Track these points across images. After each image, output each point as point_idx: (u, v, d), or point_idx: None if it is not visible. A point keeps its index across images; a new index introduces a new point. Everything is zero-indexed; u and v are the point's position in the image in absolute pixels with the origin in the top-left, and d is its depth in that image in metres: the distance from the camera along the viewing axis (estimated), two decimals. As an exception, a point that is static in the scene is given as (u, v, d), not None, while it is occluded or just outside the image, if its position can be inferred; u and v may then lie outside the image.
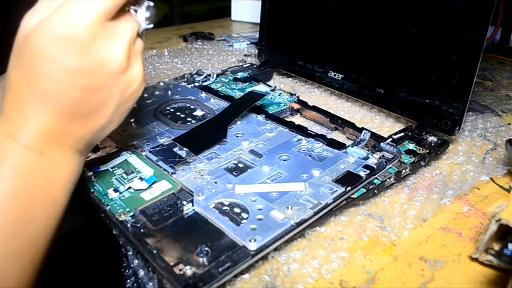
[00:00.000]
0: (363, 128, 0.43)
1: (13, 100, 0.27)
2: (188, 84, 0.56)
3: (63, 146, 0.28)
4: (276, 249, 0.31)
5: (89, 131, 0.29)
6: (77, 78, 0.26)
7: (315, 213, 0.31)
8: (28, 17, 0.27)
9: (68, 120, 0.28)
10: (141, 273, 0.31)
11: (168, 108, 0.49)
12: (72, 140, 0.29)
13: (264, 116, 0.47)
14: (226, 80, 0.59)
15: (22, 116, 0.27)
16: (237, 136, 0.43)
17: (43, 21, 0.26)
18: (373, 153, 0.39)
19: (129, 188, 0.35)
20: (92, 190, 0.35)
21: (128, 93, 0.30)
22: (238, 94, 0.54)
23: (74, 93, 0.27)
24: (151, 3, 0.30)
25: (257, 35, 0.66)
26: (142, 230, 0.30)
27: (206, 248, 0.28)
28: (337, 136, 0.46)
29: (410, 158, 0.39)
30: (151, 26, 0.30)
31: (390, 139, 0.42)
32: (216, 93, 0.53)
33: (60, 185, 0.29)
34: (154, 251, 0.28)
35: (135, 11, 0.29)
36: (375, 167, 0.36)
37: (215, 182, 0.35)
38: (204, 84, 0.57)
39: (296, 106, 0.51)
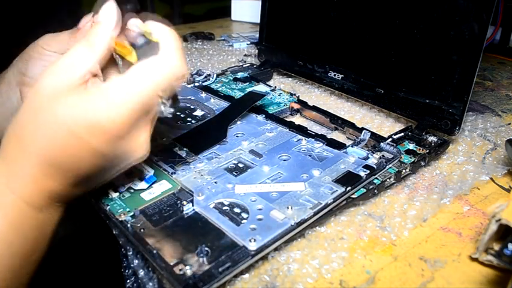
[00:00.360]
0: (363, 128, 0.43)
1: (22, 154, 0.27)
2: (188, 84, 0.56)
3: (58, 203, 0.29)
4: (276, 249, 0.30)
5: (86, 190, 0.31)
6: (99, 160, 0.27)
7: (315, 213, 0.31)
8: (49, 75, 0.27)
9: (73, 186, 0.28)
10: (141, 273, 0.31)
11: (168, 108, 0.49)
12: (68, 198, 0.30)
13: (264, 116, 0.47)
14: (226, 80, 0.59)
15: (28, 174, 0.27)
16: (237, 136, 0.43)
17: (81, 102, 0.25)
18: (373, 153, 0.39)
19: (129, 188, 0.35)
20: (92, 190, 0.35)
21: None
22: (238, 94, 0.54)
23: (90, 169, 0.28)
24: (177, 94, 0.30)
25: (257, 35, 0.66)
26: (142, 230, 0.30)
27: (206, 248, 0.28)
28: (337, 136, 0.46)
29: (410, 158, 0.39)
30: (171, 114, 0.30)
31: (390, 139, 0.42)
32: (216, 93, 0.53)
33: (46, 239, 0.30)
34: (154, 251, 0.28)
35: (164, 103, 0.29)
36: (375, 167, 0.36)
37: (215, 182, 0.35)
38: (204, 84, 0.57)
39: (296, 106, 0.51)
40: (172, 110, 0.30)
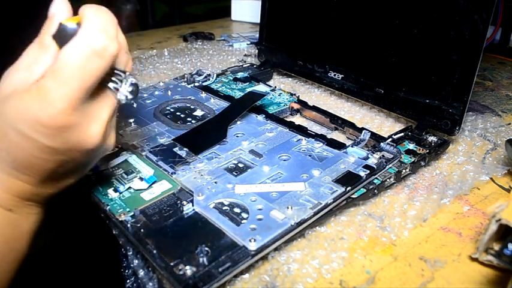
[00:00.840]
0: (363, 128, 0.43)
1: None
2: (188, 84, 0.56)
3: (30, 203, 0.29)
4: (276, 249, 0.31)
5: (58, 189, 0.30)
6: (51, 155, 0.27)
7: (315, 213, 0.31)
8: (11, 74, 0.26)
9: (40, 185, 0.28)
10: (141, 273, 0.31)
11: (168, 108, 0.49)
12: (41, 198, 0.30)
13: (264, 116, 0.47)
14: (226, 80, 0.59)
15: None
16: (237, 136, 0.43)
17: (21, 98, 0.25)
18: (373, 153, 0.39)
19: (129, 188, 0.35)
20: (92, 190, 0.35)
21: (100, 158, 0.31)
22: (238, 94, 0.54)
23: (48, 166, 0.27)
24: (134, 80, 0.29)
25: (257, 35, 0.66)
26: (142, 230, 0.30)
27: (206, 248, 0.28)
28: (337, 136, 0.46)
29: (410, 158, 0.39)
30: (131, 101, 0.29)
31: (390, 139, 0.42)
32: (216, 93, 0.53)
33: (24, 238, 0.29)
34: (154, 251, 0.28)
35: (116, 89, 0.28)
36: (375, 167, 0.36)
37: (215, 182, 0.35)
38: (204, 84, 0.57)
39: (296, 106, 0.51)
40: (131, 96, 0.29)
